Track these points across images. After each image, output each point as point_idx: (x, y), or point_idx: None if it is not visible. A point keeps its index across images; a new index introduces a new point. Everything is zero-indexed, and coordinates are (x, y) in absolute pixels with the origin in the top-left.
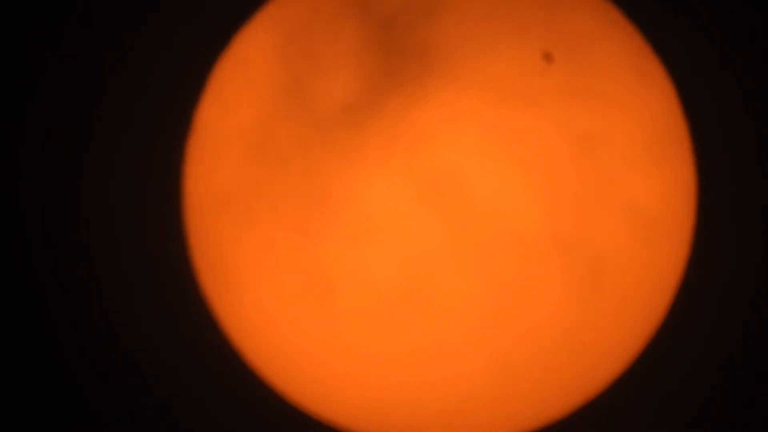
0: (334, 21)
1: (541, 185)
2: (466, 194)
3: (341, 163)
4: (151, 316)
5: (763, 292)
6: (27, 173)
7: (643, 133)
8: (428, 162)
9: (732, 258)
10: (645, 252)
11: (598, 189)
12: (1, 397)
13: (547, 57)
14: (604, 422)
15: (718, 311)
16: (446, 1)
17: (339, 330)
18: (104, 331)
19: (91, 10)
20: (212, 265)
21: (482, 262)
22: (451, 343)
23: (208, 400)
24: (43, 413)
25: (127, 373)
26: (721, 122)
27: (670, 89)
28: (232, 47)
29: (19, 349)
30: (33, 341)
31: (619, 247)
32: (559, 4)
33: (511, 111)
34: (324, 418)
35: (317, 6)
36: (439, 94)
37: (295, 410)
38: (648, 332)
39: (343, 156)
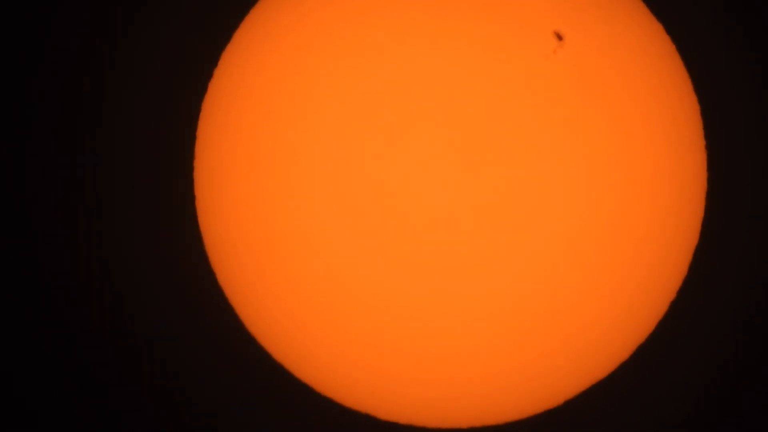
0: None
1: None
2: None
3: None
4: (169, 304)
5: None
6: (36, 171)
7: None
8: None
9: (734, 258)
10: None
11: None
12: (25, 392)
13: (559, 37)
14: (602, 420)
15: (717, 312)
16: None
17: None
18: (122, 322)
19: (94, 10)
20: (228, 259)
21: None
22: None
23: (223, 382)
24: (65, 405)
25: (141, 352)
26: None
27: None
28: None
29: (34, 344)
30: (43, 336)
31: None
32: None
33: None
34: (345, 404)
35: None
36: None
37: (308, 390)
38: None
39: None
